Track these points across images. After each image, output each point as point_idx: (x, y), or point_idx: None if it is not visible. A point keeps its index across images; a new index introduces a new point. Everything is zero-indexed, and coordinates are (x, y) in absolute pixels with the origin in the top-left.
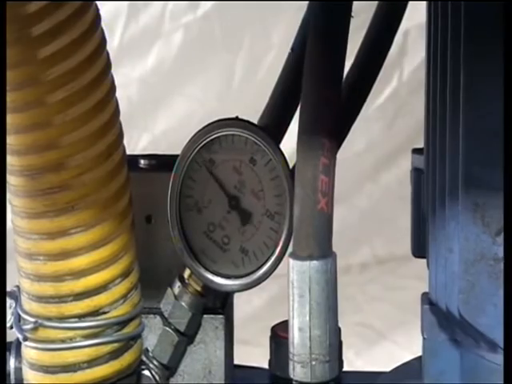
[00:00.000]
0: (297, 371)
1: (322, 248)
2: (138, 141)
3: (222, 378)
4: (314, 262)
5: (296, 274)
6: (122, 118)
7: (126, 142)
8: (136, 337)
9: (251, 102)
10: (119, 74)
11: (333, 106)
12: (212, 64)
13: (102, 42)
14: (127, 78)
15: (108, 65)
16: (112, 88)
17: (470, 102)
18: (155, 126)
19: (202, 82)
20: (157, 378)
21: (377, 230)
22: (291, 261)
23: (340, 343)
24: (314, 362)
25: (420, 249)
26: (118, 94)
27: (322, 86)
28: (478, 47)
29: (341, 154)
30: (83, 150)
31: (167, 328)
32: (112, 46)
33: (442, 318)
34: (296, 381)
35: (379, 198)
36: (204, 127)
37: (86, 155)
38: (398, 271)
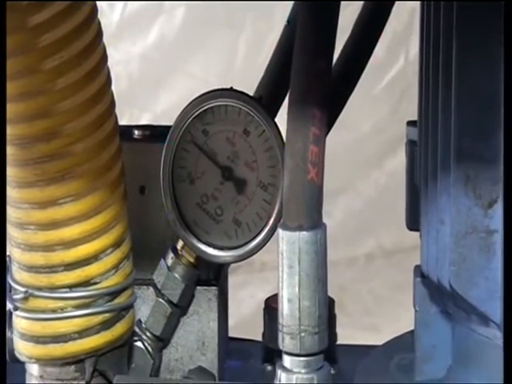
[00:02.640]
0: (286, 342)
1: (311, 219)
2: (139, 119)
3: (215, 349)
4: (304, 233)
5: (286, 244)
6: (122, 95)
7: (126, 120)
8: (128, 307)
9: (254, 82)
10: (120, 50)
11: (323, 76)
12: (214, 42)
13: (94, 10)
14: (128, 54)
15: (99, 34)
16: (103, 57)
17: (461, 74)
18: (156, 105)
19: (204, 60)
20: (150, 349)
21: (383, 219)
22: (281, 231)
23: (334, 316)
24: (303, 334)
25: (414, 222)
26: (119, 70)
27: (313, 57)
28: (470, 20)
29: (346, 138)
30: (74, 120)
31: (160, 299)
32: (112, 20)
33: (433, 291)
34: (285, 352)
35: (385, 185)
36: (197, 97)
37: (77, 124)
38: (405, 264)
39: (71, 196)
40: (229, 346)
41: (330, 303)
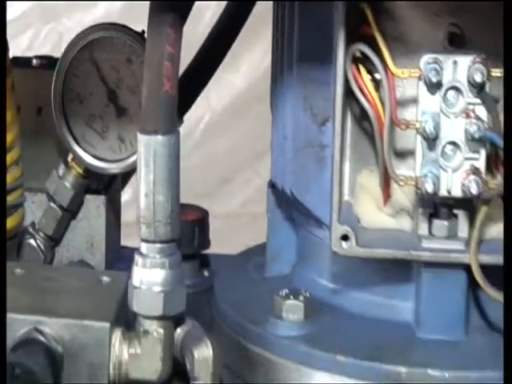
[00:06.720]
0: (142, 231)
1: (166, 125)
2: None
3: (103, 251)
4: (159, 137)
5: (143, 147)
6: None
7: None
8: (16, 206)
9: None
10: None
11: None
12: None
13: None
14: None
15: None
16: None
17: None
18: None
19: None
20: (42, 246)
21: None
22: (139, 135)
23: (207, 225)
24: (157, 224)
25: None
26: None
27: None
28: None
29: None
30: None
31: (52, 204)
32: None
33: (282, 200)
34: (142, 239)
35: None
36: (85, 29)
37: None
38: None
39: None
40: (120, 252)
41: (205, 213)
